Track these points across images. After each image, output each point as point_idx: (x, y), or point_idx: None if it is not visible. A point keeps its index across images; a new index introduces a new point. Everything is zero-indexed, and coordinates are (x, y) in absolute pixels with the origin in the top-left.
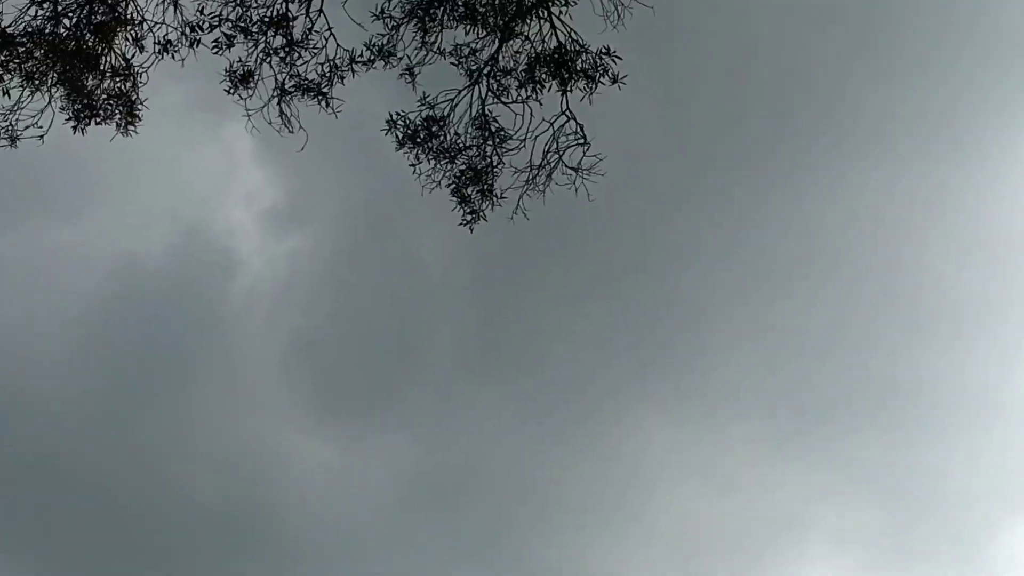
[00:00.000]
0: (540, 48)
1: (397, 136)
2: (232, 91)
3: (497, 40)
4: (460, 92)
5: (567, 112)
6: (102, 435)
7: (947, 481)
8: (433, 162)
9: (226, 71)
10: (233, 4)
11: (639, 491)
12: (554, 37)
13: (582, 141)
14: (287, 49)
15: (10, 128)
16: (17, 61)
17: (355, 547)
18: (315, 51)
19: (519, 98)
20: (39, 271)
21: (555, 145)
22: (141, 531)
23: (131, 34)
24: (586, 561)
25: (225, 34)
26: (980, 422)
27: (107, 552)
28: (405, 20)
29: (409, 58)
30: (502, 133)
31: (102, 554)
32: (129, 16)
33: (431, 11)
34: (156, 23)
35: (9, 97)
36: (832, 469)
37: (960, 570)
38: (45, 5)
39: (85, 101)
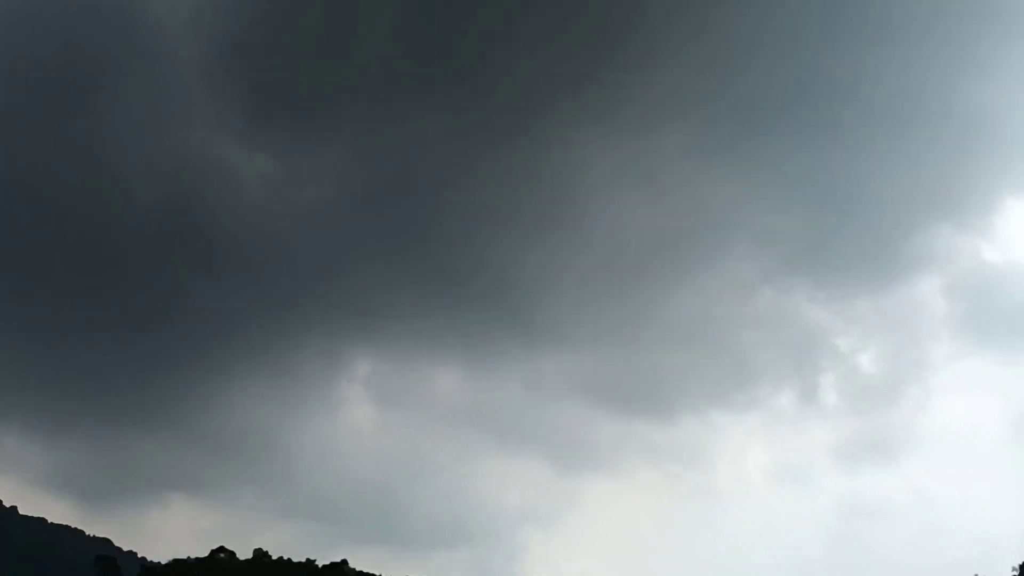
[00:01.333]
0: None
1: None
2: None
3: None
4: None
5: None
6: (31, 147)
7: (870, 184)
8: None
9: None
10: None
11: (575, 198)
12: None
13: None
14: None
15: None
16: None
17: (295, 255)
18: None
19: None
20: None
21: None
22: (83, 242)
23: None
24: (524, 264)
25: None
26: (909, 128)
27: (52, 264)
28: None
29: None
30: None
31: (47, 267)
32: None
33: None
34: None
35: None
36: (761, 174)
37: (874, 268)
38: None
39: None
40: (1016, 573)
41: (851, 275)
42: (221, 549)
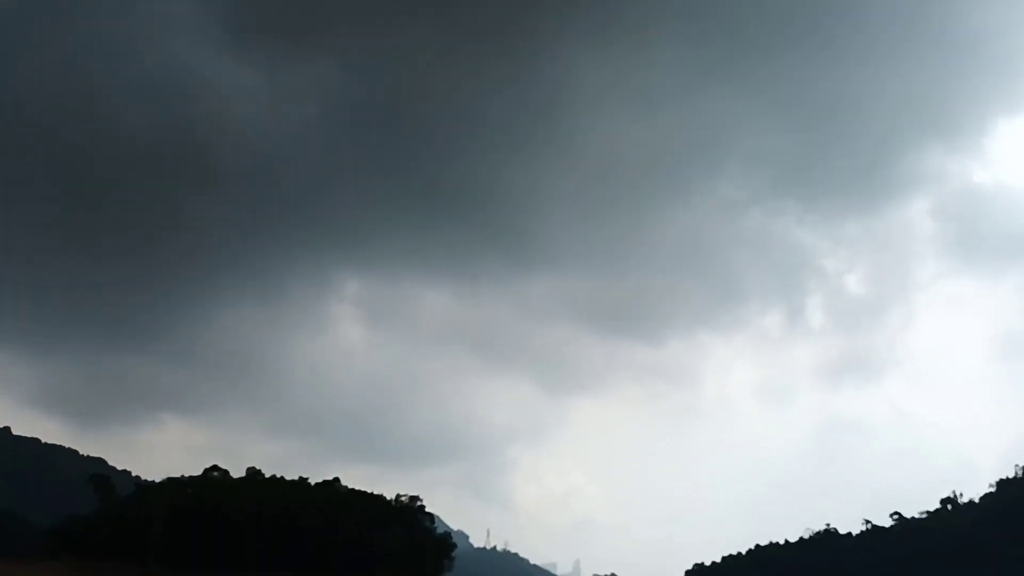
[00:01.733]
0: None
1: None
2: None
3: None
4: None
5: None
6: (9, 67)
7: (863, 103)
8: None
9: None
10: None
11: (565, 114)
12: None
13: None
14: None
15: None
16: None
17: (283, 171)
18: None
19: None
20: None
21: None
22: (69, 160)
23: None
24: (514, 182)
25: None
26: (902, 47)
27: (41, 181)
28: None
29: None
30: None
31: (35, 187)
32: None
33: None
34: None
35: None
36: (755, 93)
37: (863, 189)
38: None
39: None
40: (994, 489)
41: (840, 197)
42: (215, 468)
